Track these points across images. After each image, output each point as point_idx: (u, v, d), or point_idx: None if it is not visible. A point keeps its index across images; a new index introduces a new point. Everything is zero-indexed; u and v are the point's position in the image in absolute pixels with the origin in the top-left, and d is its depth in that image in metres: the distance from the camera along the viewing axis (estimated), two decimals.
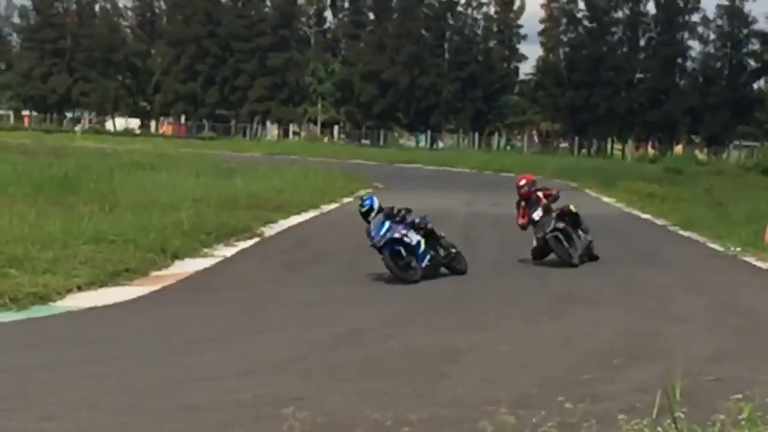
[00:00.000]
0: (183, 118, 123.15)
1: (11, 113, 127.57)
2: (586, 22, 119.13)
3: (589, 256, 23.20)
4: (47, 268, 19.25)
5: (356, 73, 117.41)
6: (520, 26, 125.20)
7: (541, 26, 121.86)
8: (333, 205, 38.20)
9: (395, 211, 20.07)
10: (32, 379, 11.86)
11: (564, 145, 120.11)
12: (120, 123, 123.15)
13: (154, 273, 21.21)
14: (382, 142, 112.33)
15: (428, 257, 20.00)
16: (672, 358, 12.41)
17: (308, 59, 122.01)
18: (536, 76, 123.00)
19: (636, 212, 39.67)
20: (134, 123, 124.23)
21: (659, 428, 6.91)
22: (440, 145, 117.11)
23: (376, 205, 20.10)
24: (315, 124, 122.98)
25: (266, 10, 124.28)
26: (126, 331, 15.71)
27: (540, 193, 23.04)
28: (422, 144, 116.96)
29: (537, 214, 22.60)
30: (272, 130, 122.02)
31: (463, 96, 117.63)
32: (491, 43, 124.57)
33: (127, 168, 46.66)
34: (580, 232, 23.04)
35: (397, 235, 19.64)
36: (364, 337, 15.00)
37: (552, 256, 22.90)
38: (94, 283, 19.32)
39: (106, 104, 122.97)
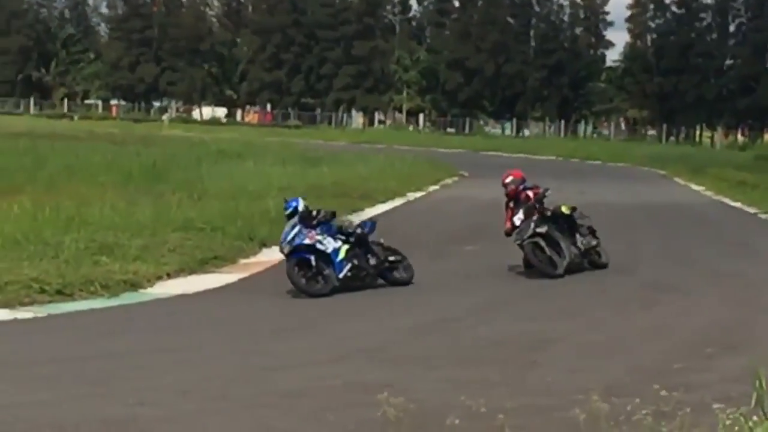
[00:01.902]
0: (269, 107, 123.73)
1: (100, 103, 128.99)
2: (674, 8, 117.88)
3: (591, 262, 20.31)
4: (137, 256, 19.45)
5: (441, 61, 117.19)
6: (606, 13, 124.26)
7: (628, 12, 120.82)
8: (419, 194, 38.15)
9: (315, 214, 17.72)
10: (124, 365, 12.00)
11: (651, 132, 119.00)
12: (206, 112, 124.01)
13: (243, 260, 21.34)
14: (467, 131, 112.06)
15: (348, 267, 17.57)
16: (763, 348, 12.25)
17: (393, 47, 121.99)
18: (623, 63, 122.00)
19: (726, 200, 39.14)
20: (221, 112, 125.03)
21: (755, 418, 6.80)
22: (526, 133, 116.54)
23: (300, 207, 17.68)
24: (400, 112, 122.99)
25: None
26: (215, 318, 15.82)
27: (530, 192, 20.15)
28: (507, 132, 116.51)
29: (518, 218, 19.75)
30: (358, 119, 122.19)
31: (549, 83, 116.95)
32: (577, 30, 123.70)
33: (214, 157, 47.01)
34: (578, 237, 20.11)
35: (307, 241, 17.30)
36: (453, 325, 14.98)
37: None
38: (184, 270, 19.48)
39: (192, 93, 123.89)
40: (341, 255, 17.56)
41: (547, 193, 20.20)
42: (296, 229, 17.37)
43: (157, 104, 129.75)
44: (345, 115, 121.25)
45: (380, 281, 18.31)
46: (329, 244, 17.50)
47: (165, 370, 11.64)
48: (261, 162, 43.54)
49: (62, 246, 19.40)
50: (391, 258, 18.41)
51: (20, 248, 19.29)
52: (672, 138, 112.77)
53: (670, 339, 13.83)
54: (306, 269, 17.22)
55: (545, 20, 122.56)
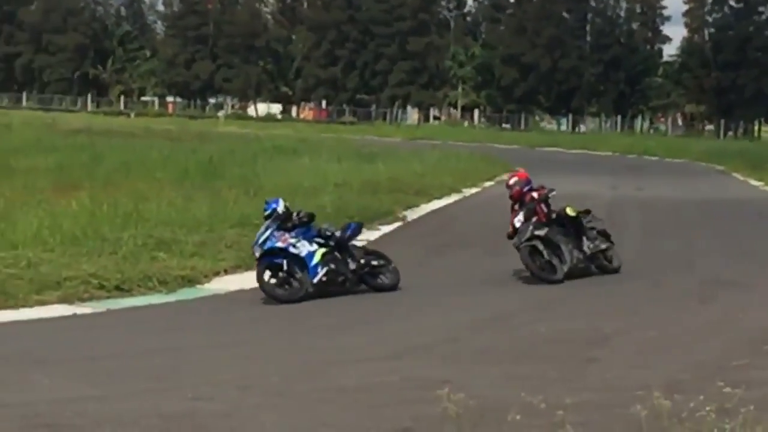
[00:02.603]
0: (324, 103, 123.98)
1: (156, 100, 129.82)
2: (732, 2, 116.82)
3: (600, 267, 19.26)
4: (195, 252, 19.56)
5: (497, 56, 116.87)
6: (663, 7, 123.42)
7: (686, 7, 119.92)
8: (474, 189, 38.06)
9: (295, 216, 17.05)
10: (182, 360, 12.05)
11: (709, 127, 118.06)
12: (262, 108, 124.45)
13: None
14: (522, 126, 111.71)
15: (324, 271, 16.72)
16: None
17: (448, 43, 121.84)
18: (680, 58, 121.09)
19: None
20: (276, 108, 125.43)
21: None
22: (582, 128, 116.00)
23: (280, 209, 17.02)
24: (455, 108, 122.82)
25: None
26: (272, 313, 15.87)
27: (535, 194, 18.99)
28: (563, 127, 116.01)
29: (518, 220, 18.71)
30: (413, 115, 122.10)
31: (606, 78, 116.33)
32: (634, 25, 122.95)
33: (270, 153, 47.19)
34: (585, 240, 18.99)
35: (279, 244, 16.58)
36: (510, 321, 14.94)
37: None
38: (240, 266, 19.54)
39: (248, 90, 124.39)
40: (316, 259, 16.74)
41: (551, 195, 19.09)
42: (268, 232, 16.72)
43: (212, 101, 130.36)
44: (400, 111, 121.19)
45: (363, 287, 17.39)
46: (303, 248, 16.70)
47: (223, 365, 11.68)
48: (316, 158, 43.63)
49: (120, 242, 19.54)
50: (374, 262, 17.47)
51: (79, 244, 19.45)
52: (730, 133, 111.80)
53: (730, 335, 13.71)
54: (277, 273, 16.54)
55: (601, 15, 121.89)
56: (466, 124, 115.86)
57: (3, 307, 15.86)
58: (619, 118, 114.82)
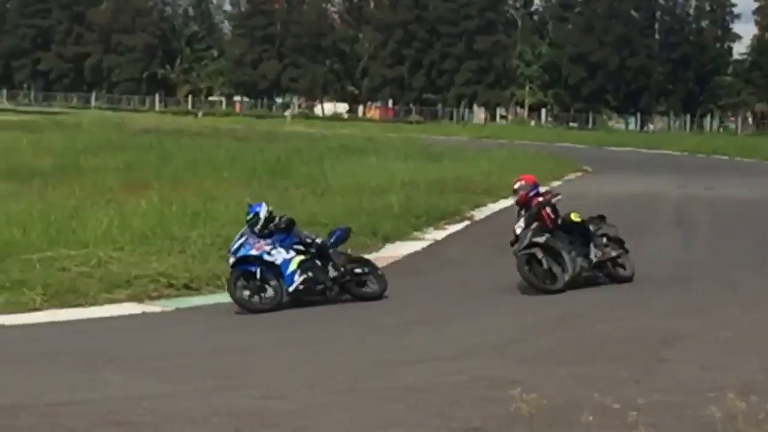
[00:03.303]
0: (390, 103, 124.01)
1: (223, 99, 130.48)
2: None
3: (609, 275, 18.19)
4: None
5: (564, 55, 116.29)
6: (733, 5, 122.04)
7: (756, 4, 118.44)
8: (542, 189, 37.76)
9: (275, 221, 16.44)
10: (251, 358, 12.11)
11: None
12: (328, 108, 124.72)
13: (366, 256, 21.35)
14: (590, 125, 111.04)
15: (301, 279, 16.09)
16: None
17: (515, 42, 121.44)
18: (751, 56, 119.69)
19: None
20: (342, 108, 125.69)
21: None
22: (650, 127, 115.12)
23: (263, 214, 16.39)
24: (522, 107, 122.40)
25: None
26: (341, 312, 15.89)
27: (542, 198, 18.21)
28: (631, 126, 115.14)
29: (519, 226, 17.87)
30: (479, 114, 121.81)
31: (675, 77, 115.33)
32: (703, 23, 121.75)
33: (337, 152, 47.25)
34: (592, 248, 17.99)
35: (253, 252, 15.98)
36: (578, 321, 14.84)
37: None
38: None
39: (314, 89, 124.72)
40: (292, 267, 16.09)
41: (554, 200, 18.14)
42: (242, 239, 16.18)
43: (279, 101, 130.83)
44: (466, 111, 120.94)
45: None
46: (279, 255, 16.07)
47: (292, 363, 11.72)
48: (383, 157, 43.64)
49: (189, 241, 19.69)
50: (358, 270, 16.75)
51: (148, 243, 19.61)
52: None
53: None
54: (251, 281, 15.91)
55: (670, 13, 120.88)
56: (532, 123, 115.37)
57: (74, 305, 16.03)
58: (688, 117, 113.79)
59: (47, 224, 20.83)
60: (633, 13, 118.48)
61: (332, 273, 16.47)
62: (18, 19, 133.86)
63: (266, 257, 15.96)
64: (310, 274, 16.20)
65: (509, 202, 32.33)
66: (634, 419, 6.73)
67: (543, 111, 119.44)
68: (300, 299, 16.15)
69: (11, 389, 10.30)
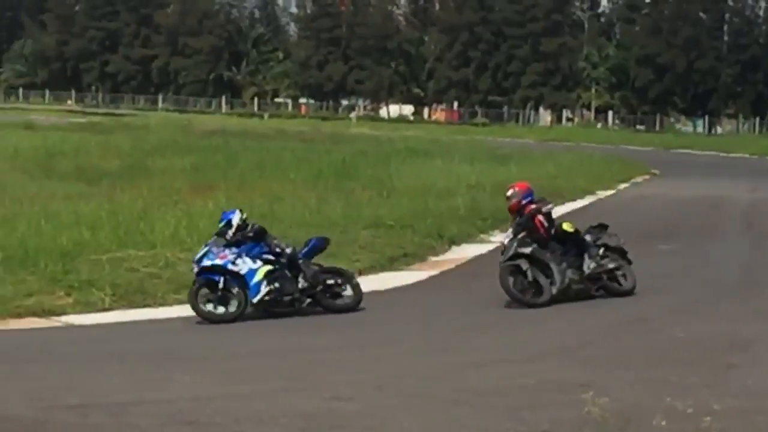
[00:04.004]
0: (456, 105, 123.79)
1: (289, 101, 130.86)
2: None
3: (605, 288, 17.15)
4: (329, 253, 19.60)
5: (631, 57, 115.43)
6: None
7: None
8: (609, 192, 37.63)
9: (247, 230, 16.00)
10: (320, 359, 12.14)
11: None
12: (394, 110, 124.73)
13: (432, 258, 21.40)
14: (657, 128, 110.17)
15: (266, 290, 15.59)
16: None
17: (582, 44, 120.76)
18: None
19: None
20: (408, 110, 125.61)
21: None
22: (718, 130, 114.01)
23: (235, 221, 15.96)
24: (588, 109, 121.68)
25: None
26: (407, 314, 15.89)
27: (534, 206, 17.22)
28: (699, 129, 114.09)
29: (507, 236, 17.11)
30: (545, 116, 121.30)
31: (743, 79, 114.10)
32: None
33: (402, 154, 47.23)
34: (586, 259, 17.05)
35: (217, 261, 15.52)
36: (646, 325, 14.73)
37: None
38: (374, 267, 19.66)
39: (380, 91, 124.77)
40: (258, 277, 15.60)
41: (544, 209, 17.17)
42: (206, 248, 15.81)
43: (344, 102, 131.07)
44: (532, 113, 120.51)
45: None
46: (244, 265, 15.60)
47: (360, 365, 11.74)
48: (449, 160, 43.56)
49: None
50: (330, 281, 16.13)
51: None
52: None
53: None
54: (214, 291, 15.43)
55: (739, 15, 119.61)
56: (599, 125, 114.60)
57: (142, 305, 16.19)
58: (757, 119, 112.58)
59: (116, 225, 21.03)
60: (701, 14, 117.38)
61: (302, 284, 15.93)
62: (86, 22, 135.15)
63: (230, 267, 15.54)
64: (276, 284, 15.71)
65: (576, 204, 32.35)
66: (708, 424, 6.66)
67: (610, 113, 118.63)
68: (267, 310, 15.69)
69: (82, 388, 10.40)
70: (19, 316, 15.27)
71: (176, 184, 30.01)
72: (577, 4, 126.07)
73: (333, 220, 23.02)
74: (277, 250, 16.07)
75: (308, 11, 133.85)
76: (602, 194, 36.42)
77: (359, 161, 40.58)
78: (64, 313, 15.56)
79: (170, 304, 16.31)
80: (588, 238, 17.51)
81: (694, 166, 56.85)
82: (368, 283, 18.31)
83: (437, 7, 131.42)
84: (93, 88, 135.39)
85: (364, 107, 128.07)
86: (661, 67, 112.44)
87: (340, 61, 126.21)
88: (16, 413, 9.16)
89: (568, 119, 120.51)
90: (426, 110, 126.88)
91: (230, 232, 15.87)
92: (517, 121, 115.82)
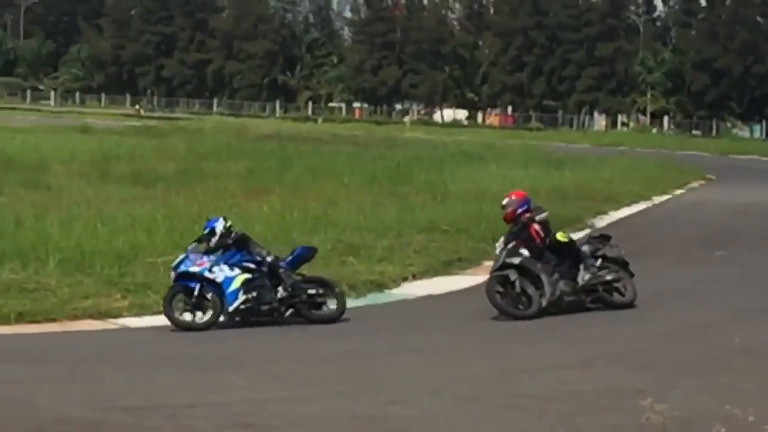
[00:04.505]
0: (510, 109, 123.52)
1: (343, 105, 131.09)
2: None
3: (601, 300, 16.45)
4: (383, 257, 19.69)
5: (687, 61, 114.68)
6: None
7: None
8: (664, 197, 37.36)
9: (230, 237, 15.76)
10: (374, 364, 12.14)
11: None
12: (448, 114, 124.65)
13: (487, 263, 21.25)
14: (713, 133, 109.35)
15: (243, 299, 15.31)
16: None
17: (637, 48, 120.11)
18: None
19: None
20: (461, 114, 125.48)
21: None
22: None
23: (219, 229, 15.76)
24: (644, 114, 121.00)
25: None
26: (461, 319, 15.84)
27: (529, 215, 16.72)
28: (756, 134, 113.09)
29: (498, 245, 16.55)
30: (600, 121, 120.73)
31: None
32: None
33: (456, 159, 47.14)
34: (581, 270, 16.40)
35: (194, 269, 15.31)
36: (705, 331, 14.60)
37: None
38: (428, 271, 19.63)
39: (434, 96, 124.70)
40: (235, 285, 15.34)
41: (538, 218, 16.60)
42: (184, 255, 15.59)
43: (398, 107, 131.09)
44: (587, 118, 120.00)
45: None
46: (221, 273, 15.35)
47: (414, 370, 11.72)
48: (503, 164, 43.43)
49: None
50: (312, 291, 15.71)
51: (270, 248, 19.73)
52: None
53: None
54: (189, 298, 15.23)
55: None
56: (654, 130, 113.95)
57: None
58: None
59: (171, 228, 21.13)
60: (759, 18, 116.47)
61: (281, 293, 15.60)
62: (142, 26, 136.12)
63: (207, 274, 15.30)
64: (254, 293, 15.44)
65: (631, 210, 32.17)
66: None
67: (665, 118, 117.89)
68: (243, 318, 15.44)
69: (139, 391, 10.47)
70: (76, 318, 15.40)
71: (231, 188, 30.13)
72: (633, 8, 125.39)
73: (387, 224, 23.00)
74: (258, 258, 15.81)
75: (363, 15, 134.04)
76: (657, 200, 36.17)
77: (413, 165, 40.55)
78: (120, 315, 15.68)
79: None
80: (586, 248, 16.90)
81: (751, 171, 56.33)
82: (422, 287, 18.35)
83: (492, 11, 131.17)
84: (149, 92, 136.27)
85: (418, 111, 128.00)
86: (717, 72, 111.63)
87: (394, 66, 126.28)
88: (74, 415, 9.23)
89: (623, 124, 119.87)
90: (480, 115, 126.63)
91: (213, 240, 15.69)
92: (571, 125, 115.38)
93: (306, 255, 16.42)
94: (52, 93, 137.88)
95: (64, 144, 46.12)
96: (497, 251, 16.37)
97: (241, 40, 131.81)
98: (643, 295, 17.53)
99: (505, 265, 15.91)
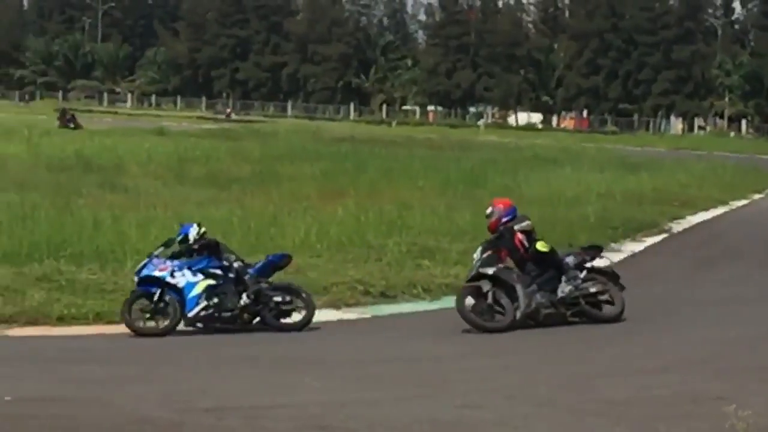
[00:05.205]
0: (585, 113, 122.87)
1: (417, 109, 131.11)
2: None
3: (583, 313, 15.59)
4: (458, 260, 19.62)
5: (766, 64, 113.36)
6: None
7: None
8: (742, 201, 36.94)
9: (196, 243, 15.49)
10: (449, 367, 12.12)
11: None
12: (522, 117, 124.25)
13: None
14: None
15: (203, 305, 15.05)
16: None
17: (715, 51, 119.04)
18: None
19: None
20: (536, 117, 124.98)
21: None
22: None
23: (192, 235, 15.53)
24: (721, 118, 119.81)
25: (671, 2, 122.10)
26: (536, 323, 15.73)
27: (517, 226, 15.82)
28: None
29: (475, 255, 15.76)
30: (676, 125, 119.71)
31: None
32: None
33: (531, 162, 46.98)
34: (563, 281, 15.55)
35: (156, 273, 15.05)
36: None
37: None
38: None
39: (508, 99, 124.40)
40: (196, 291, 15.06)
41: (516, 227, 15.71)
42: (148, 259, 15.34)
43: (472, 110, 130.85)
44: (663, 121, 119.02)
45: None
46: (182, 278, 15.07)
47: (490, 373, 11.69)
48: (578, 168, 43.19)
49: (385, 249, 19.84)
50: (278, 299, 15.33)
51: (345, 250, 19.83)
52: None
53: None
54: (149, 303, 14.98)
55: None
56: (732, 134, 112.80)
57: None
58: None
59: (247, 230, 21.26)
60: None
61: (244, 300, 15.28)
62: (218, 30, 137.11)
63: (168, 279, 15.06)
64: (215, 300, 15.17)
65: (709, 214, 31.82)
66: None
67: (743, 122, 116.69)
68: (206, 325, 15.18)
69: (216, 392, 10.53)
70: None
71: (306, 191, 30.23)
72: (711, 11, 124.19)
73: (462, 228, 22.95)
74: (225, 263, 15.53)
75: (437, 18, 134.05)
76: (735, 204, 35.77)
77: (488, 169, 40.44)
78: None
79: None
80: (570, 260, 16.07)
81: None
82: None
83: (567, 14, 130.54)
84: (224, 95, 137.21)
85: (493, 115, 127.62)
86: None
87: (468, 69, 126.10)
88: (153, 415, 9.30)
89: (700, 127, 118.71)
90: (554, 118, 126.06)
91: (186, 245, 15.52)
92: (647, 129, 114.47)
93: (277, 262, 16.05)
94: (129, 96, 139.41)
95: (140, 146, 46.54)
96: (474, 261, 15.69)
97: (316, 43, 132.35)
98: (721, 299, 17.40)
99: (479, 276, 15.32)
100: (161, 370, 12.09)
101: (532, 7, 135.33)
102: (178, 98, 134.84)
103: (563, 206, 28.13)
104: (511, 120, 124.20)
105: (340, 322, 15.94)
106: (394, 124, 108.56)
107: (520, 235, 15.64)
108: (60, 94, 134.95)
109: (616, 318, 15.55)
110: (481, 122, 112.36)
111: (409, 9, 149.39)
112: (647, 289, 19.23)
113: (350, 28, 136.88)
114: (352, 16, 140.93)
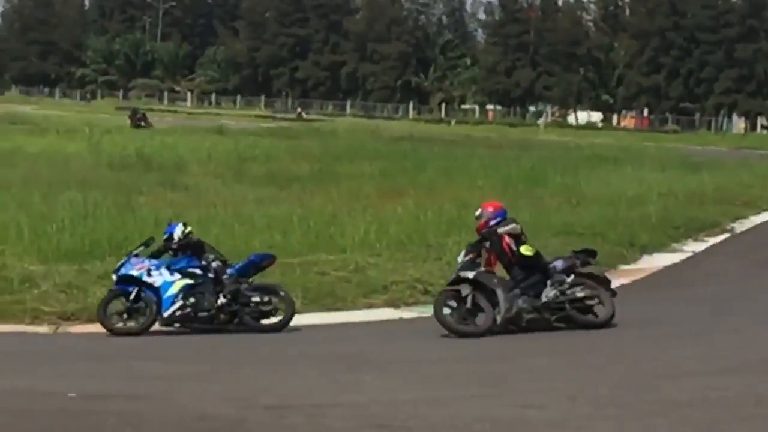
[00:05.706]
0: (646, 112, 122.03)
1: (476, 107, 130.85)
2: None
3: (569, 318, 15.10)
4: None
5: None
6: None
7: None
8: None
9: (176, 242, 15.56)
10: (512, 366, 12.10)
11: None
12: (582, 116, 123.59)
13: (623, 266, 21.08)
14: None
15: (179, 304, 15.04)
16: None
17: None
18: None
19: None
20: (596, 116, 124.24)
21: None
22: None
23: (177, 235, 15.60)
24: None
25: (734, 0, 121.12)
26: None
27: (501, 230, 15.43)
28: None
29: (460, 257, 15.52)
30: (739, 124, 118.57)
31: None
32: None
33: (591, 161, 46.69)
34: (548, 286, 15.12)
35: (133, 272, 15.08)
36: None
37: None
38: None
39: (568, 98, 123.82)
40: (172, 290, 15.07)
41: (500, 230, 15.36)
42: (126, 258, 15.37)
43: (532, 109, 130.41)
44: (725, 120, 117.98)
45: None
46: (159, 277, 15.10)
47: (551, 374, 11.63)
48: (639, 167, 42.88)
49: (444, 248, 19.80)
50: (256, 299, 15.24)
51: (404, 249, 19.83)
52: None
53: None
54: (125, 300, 15.04)
55: None
56: None
57: (333, 308, 16.37)
58: None
59: (306, 229, 21.33)
60: None
61: (221, 300, 15.22)
62: (277, 28, 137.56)
63: (145, 278, 15.09)
64: (192, 299, 15.17)
65: None
66: None
67: None
68: (183, 325, 15.15)
69: (279, 389, 10.57)
70: None
71: (365, 189, 30.23)
72: None
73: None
74: (204, 263, 15.51)
75: (497, 17, 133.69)
76: None
77: (547, 168, 40.23)
78: None
79: (360, 308, 16.45)
80: (558, 264, 15.64)
81: None
82: None
83: (628, 12, 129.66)
84: (283, 93, 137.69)
85: (552, 114, 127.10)
86: None
87: (528, 67, 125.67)
88: (215, 412, 9.35)
89: (763, 127, 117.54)
90: (615, 117, 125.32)
91: (171, 244, 15.56)
92: (709, 128, 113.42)
93: (258, 262, 15.94)
94: (189, 94, 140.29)
95: (200, 145, 46.83)
96: (458, 263, 15.41)
97: (375, 42, 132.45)
98: None
99: (459, 280, 15.00)
100: (223, 368, 12.16)
101: (592, 6, 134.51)
102: (238, 97, 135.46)
103: (624, 206, 27.93)
104: (571, 119, 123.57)
105: (401, 320, 15.95)
106: (453, 123, 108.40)
107: (507, 239, 15.37)
108: (120, 93, 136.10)
109: (604, 324, 15.07)
110: (540, 121, 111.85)
111: (468, 7, 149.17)
112: (710, 288, 19.12)
113: (409, 26, 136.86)
114: (411, 15, 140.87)
